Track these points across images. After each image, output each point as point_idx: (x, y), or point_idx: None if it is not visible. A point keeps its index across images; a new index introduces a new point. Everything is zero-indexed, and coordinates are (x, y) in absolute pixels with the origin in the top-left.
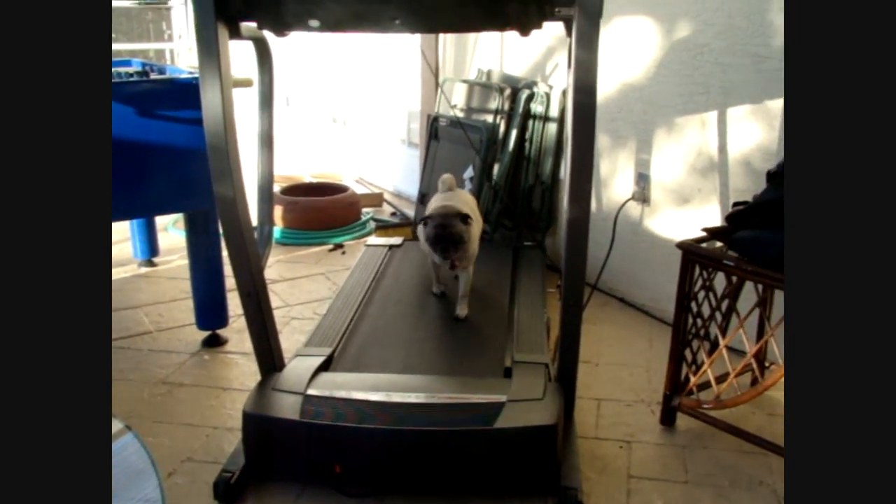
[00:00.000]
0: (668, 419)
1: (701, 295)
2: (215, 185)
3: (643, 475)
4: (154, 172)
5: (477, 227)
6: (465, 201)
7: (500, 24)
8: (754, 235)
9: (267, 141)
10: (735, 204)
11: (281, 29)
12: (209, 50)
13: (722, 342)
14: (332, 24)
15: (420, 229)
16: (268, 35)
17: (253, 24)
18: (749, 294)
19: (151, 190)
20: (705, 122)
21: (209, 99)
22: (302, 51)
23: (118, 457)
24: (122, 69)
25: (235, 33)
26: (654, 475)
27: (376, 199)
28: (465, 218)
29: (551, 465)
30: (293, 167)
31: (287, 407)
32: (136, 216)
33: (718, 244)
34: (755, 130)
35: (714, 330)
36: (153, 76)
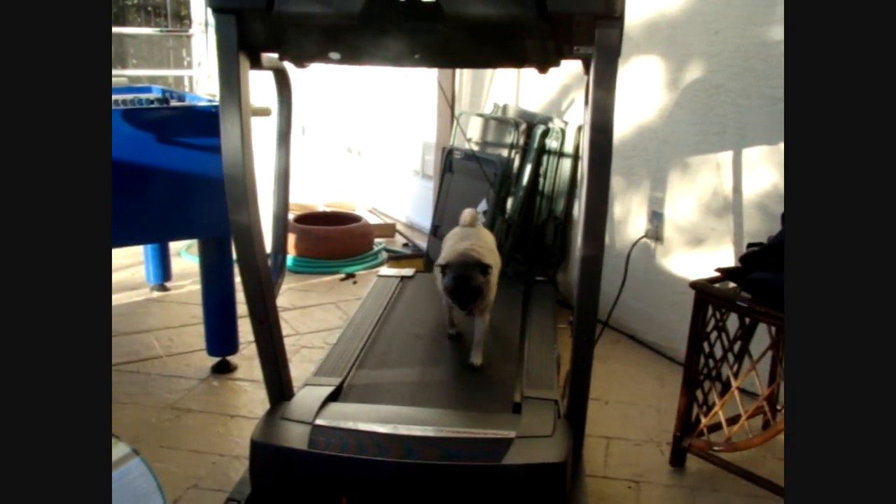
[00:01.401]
0: (677, 460)
1: (713, 335)
2: (232, 212)
3: None
4: (170, 198)
5: (496, 273)
6: (486, 242)
7: (518, 61)
8: (768, 277)
9: (284, 170)
10: (749, 245)
11: (302, 60)
12: (230, 79)
13: (734, 384)
14: (353, 57)
15: (437, 273)
16: (287, 65)
17: (274, 55)
18: (762, 336)
19: (167, 215)
20: (720, 162)
21: (228, 127)
22: (319, 80)
23: (124, 481)
24: (143, 95)
25: (256, 63)
26: None
27: (389, 230)
28: (485, 269)
29: (559, 503)
30: (307, 195)
31: (295, 437)
32: (150, 241)
33: (732, 285)
34: (770, 172)
35: (726, 371)
36: (173, 103)
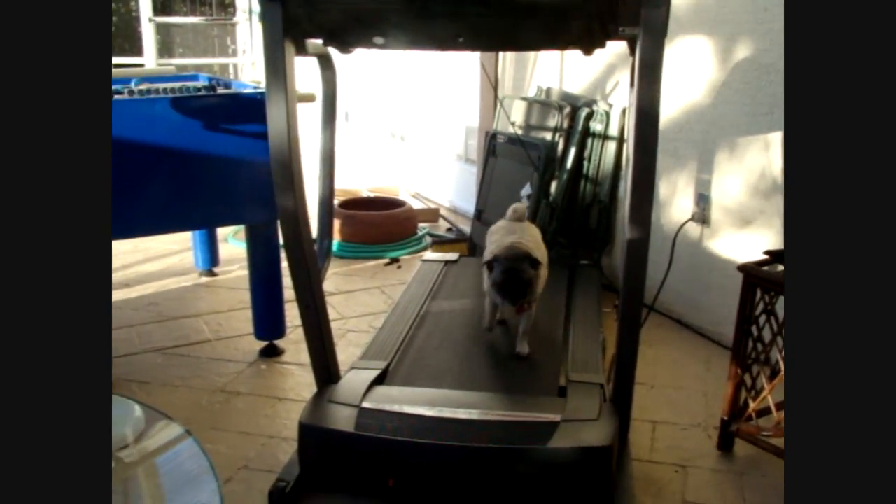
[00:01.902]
0: (725, 445)
1: (762, 319)
2: (278, 198)
3: (698, 501)
4: (218, 184)
5: (544, 268)
6: (533, 236)
7: (563, 43)
8: None
9: (329, 156)
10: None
11: (346, 46)
12: (276, 66)
13: (783, 368)
14: (397, 42)
15: (485, 271)
16: (332, 51)
17: (318, 42)
18: None
19: (215, 201)
20: (769, 143)
21: (274, 114)
22: (362, 66)
23: (177, 461)
24: (191, 84)
25: (302, 50)
26: (709, 501)
27: (432, 215)
28: (534, 262)
29: (605, 487)
30: (351, 181)
31: (342, 419)
32: (199, 227)
33: (781, 268)
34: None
35: (775, 355)
36: (220, 90)
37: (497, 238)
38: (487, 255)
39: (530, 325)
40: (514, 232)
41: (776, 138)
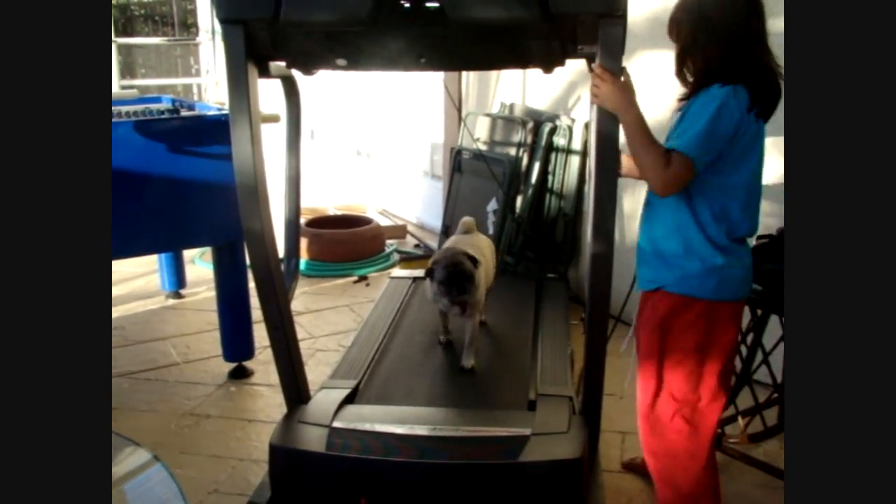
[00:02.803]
0: None
1: None
2: (244, 219)
3: None
4: (183, 206)
5: (485, 273)
6: (479, 246)
7: (523, 62)
8: (779, 268)
9: (294, 176)
10: (759, 237)
11: (309, 68)
12: (239, 88)
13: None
14: (359, 63)
15: (427, 284)
16: (295, 72)
17: (282, 64)
18: (775, 327)
19: (181, 224)
20: None
21: (239, 135)
22: (327, 85)
23: (145, 487)
24: (154, 106)
25: (265, 72)
26: None
27: (400, 231)
28: (473, 259)
29: (576, 500)
30: (318, 199)
31: (313, 440)
32: (165, 250)
33: None
34: (779, 164)
35: (739, 363)
36: (183, 113)
37: (445, 245)
38: (429, 263)
39: (474, 337)
40: (460, 243)
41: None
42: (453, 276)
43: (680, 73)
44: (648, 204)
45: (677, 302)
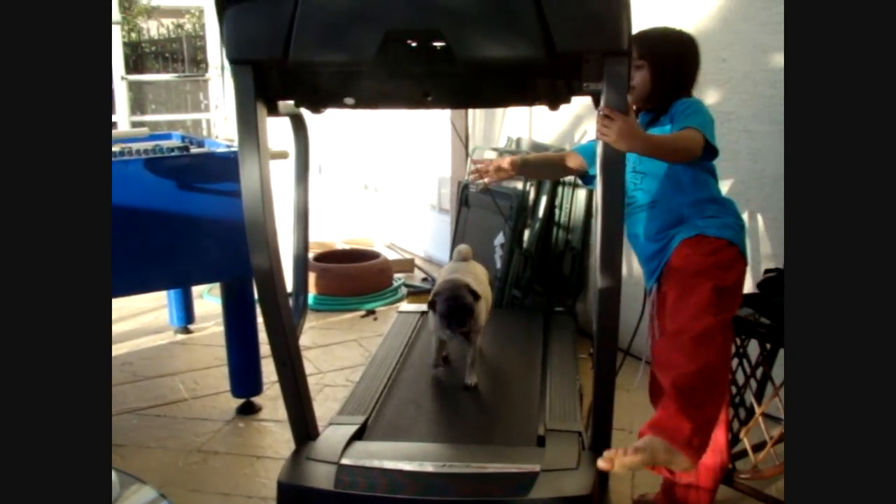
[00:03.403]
0: None
1: (735, 362)
2: (252, 256)
3: None
4: (192, 243)
5: (484, 301)
6: (475, 273)
7: (529, 99)
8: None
9: (303, 212)
10: (766, 271)
11: (317, 106)
12: (248, 127)
13: (758, 410)
14: (367, 102)
15: (430, 314)
16: (303, 110)
17: (290, 102)
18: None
19: (190, 260)
20: (733, 188)
21: (248, 173)
22: (334, 119)
23: None
24: (164, 143)
25: (273, 111)
26: None
27: (407, 265)
28: (473, 293)
29: None
30: (325, 234)
31: (321, 477)
32: (174, 286)
33: (750, 311)
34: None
35: (749, 398)
36: (193, 150)
37: (442, 274)
38: (431, 296)
39: (475, 358)
40: (457, 271)
41: (740, 183)
42: (454, 309)
43: (653, 99)
44: (642, 209)
45: (719, 244)
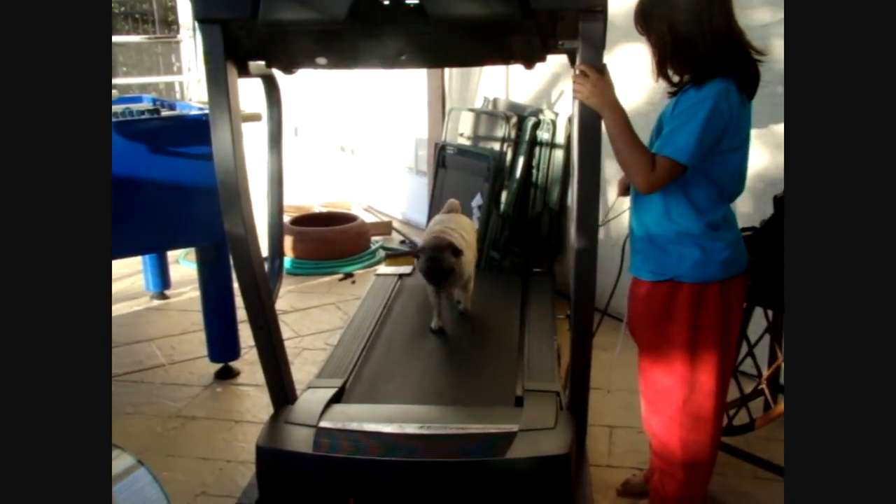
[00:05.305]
0: None
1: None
2: (226, 220)
3: None
4: (166, 208)
5: (470, 253)
6: (461, 226)
7: (504, 58)
8: (762, 260)
9: (276, 175)
10: (742, 230)
11: (289, 67)
12: (219, 88)
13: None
14: (339, 62)
15: (417, 261)
16: (276, 71)
17: (261, 63)
18: (759, 319)
19: (164, 225)
20: None
21: (219, 136)
22: (309, 81)
23: (130, 491)
24: (135, 106)
25: (245, 72)
26: None
27: (385, 228)
28: (455, 251)
29: (564, 495)
30: (302, 197)
31: (300, 440)
32: (148, 251)
33: None
34: (763, 154)
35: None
36: (164, 112)
37: (430, 226)
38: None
39: (469, 294)
40: (443, 222)
41: None
42: (433, 270)
43: (664, 75)
44: (636, 190)
45: (692, 290)
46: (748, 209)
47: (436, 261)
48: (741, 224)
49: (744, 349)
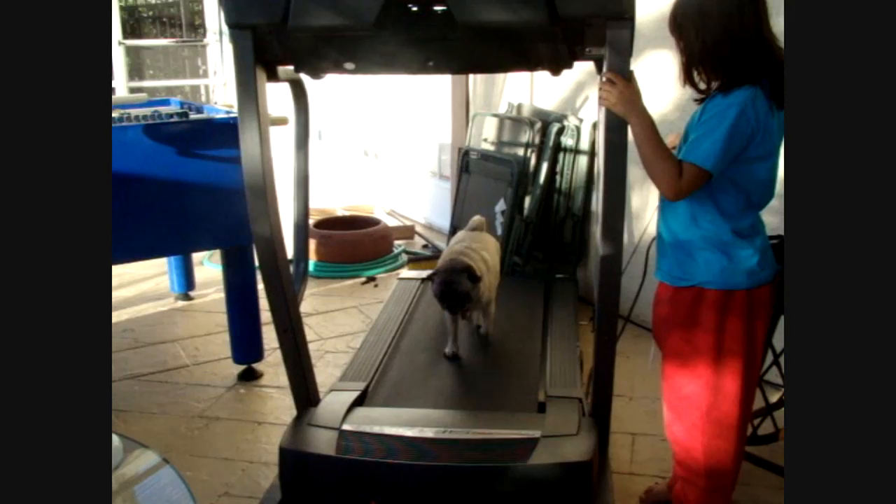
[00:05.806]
0: None
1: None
2: (253, 223)
3: None
4: (192, 209)
5: (492, 276)
6: (485, 246)
7: (531, 64)
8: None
9: (303, 179)
10: (769, 237)
11: (317, 72)
12: (248, 93)
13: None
14: (367, 67)
15: (431, 284)
16: (303, 76)
17: (290, 68)
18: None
19: (190, 227)
20: None
21: (247, 139)
22: (334, 85)
23: (155, 488)
24: (163, 109)
25: (273, 76)
26: None
27: (408, 232)
28: (472, 276)
29: (586, 502)
30: (326, 200)
31: (323, 442)
32: (174, 253)
33: None
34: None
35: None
36: (192, 116)
37: (451, 245)
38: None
39: (492, 318)
40: (465, 241)
41: None
42: (447, 294)
43: (690, 81)
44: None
45: (718, 297)
46: (775, 219)
47: (450, 284)
48: (769, 232)
49: (769, 358)
